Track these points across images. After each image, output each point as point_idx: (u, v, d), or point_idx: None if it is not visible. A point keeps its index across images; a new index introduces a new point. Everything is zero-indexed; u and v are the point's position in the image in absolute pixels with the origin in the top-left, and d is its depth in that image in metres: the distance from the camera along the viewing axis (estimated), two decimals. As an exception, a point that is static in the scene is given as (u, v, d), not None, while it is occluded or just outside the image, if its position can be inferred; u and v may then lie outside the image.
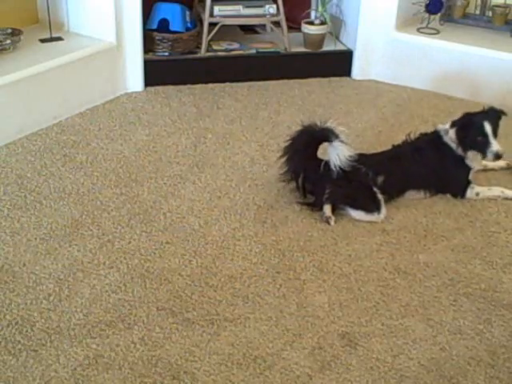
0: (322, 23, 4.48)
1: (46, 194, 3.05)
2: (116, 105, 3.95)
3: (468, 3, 4.51)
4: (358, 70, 4.47)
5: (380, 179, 3.02)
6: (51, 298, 2.45)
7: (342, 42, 4.62)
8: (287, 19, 4.39)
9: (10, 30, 3.74)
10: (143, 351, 2.24)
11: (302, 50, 4.50)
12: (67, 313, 2.38)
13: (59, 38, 3.88)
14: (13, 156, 3.34)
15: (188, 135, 3.62)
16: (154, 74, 4.14)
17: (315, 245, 2.81)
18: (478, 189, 3.16)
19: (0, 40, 3.65)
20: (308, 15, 4.66)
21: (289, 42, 4.42)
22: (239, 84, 4.25)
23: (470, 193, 3.15)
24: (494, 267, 2.72)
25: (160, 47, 4.19)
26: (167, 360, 2.21)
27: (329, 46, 4.54)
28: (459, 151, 3.12)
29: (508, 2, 4.37)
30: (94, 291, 2.49)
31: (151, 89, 4.14)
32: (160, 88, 4.14)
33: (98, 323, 2.34)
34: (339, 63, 4.49)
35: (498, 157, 3.05)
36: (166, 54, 4.21)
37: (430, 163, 3.13)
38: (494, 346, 2.33)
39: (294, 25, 4.59)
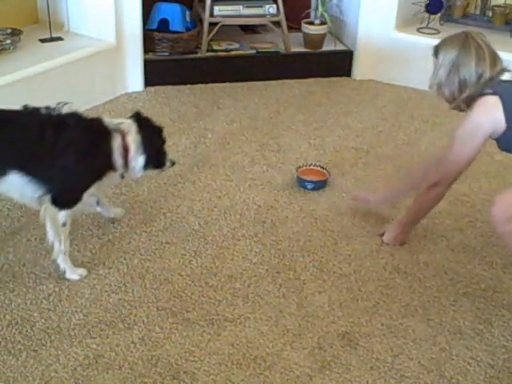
0: (322, 23, 4.48)
1: (46, 193, 3.05)
2: (116, 105, 3.95)
3: (468, 3, 4.51)
4: (358, 70, 4.47)
5: None
6: (51, 298, 2.45)
7: (342, 42, 4.62)
8: (287, 19, 4.39)
9: (9, 30, 3.74)
10: (143, 351, 2.24)
11: (302, 49, 4.50)
12: (67, 313, 2.38)
13: (59, 38, 3.88)
14: (13, 156, 3.34)
15: (188, 135, 3.62)
16: (154, 73, 4.14)
17: (315, 245, 2.81)
18: (68, 222, 2.53)
19: (0, 40, 3.65)
20: (308, 15, 4.66)
21: (289, 42, 4.42)
22: (239, 84, 4.25)
23: (63, 216, 2.50)
24: (494, 267, 2.72)
25: (160, 47, 4.19)
26: (167, 360, 2.21)
27: (329, 46, 4.54)
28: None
29: (508, 1, 4.37)
30: (93, 291, 2.49)
31: (151, 89, 4.13)
32: (160, 88, 4.13)
33: (97, 323, 2.34)
34: (339, 63, 4.49)
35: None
36: (166, 54, 4.21)
37: (58, 154, 2.41)
38: (493, 346, 2.33)
39: (294, 25, 4.58)
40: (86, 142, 2.46)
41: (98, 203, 2.81)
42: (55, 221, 2.50)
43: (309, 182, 3.17)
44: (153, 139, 2.63)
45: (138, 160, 2.56)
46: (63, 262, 2.54)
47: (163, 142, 2.71)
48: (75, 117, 2.50)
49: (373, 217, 3.01)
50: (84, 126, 2.49)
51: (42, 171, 2.42)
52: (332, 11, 4.64)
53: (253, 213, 3.00)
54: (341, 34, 4.63)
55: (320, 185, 3.19)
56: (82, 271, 2.58)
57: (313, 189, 3.16)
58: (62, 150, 2.41)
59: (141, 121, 2.62)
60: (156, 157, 2.66)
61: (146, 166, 2.60)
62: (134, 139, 2.54)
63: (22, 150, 2.41)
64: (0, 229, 2.80)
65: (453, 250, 2.81)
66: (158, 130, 2.69)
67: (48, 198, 2.45)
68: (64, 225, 2.51)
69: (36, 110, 2.46)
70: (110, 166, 2.54)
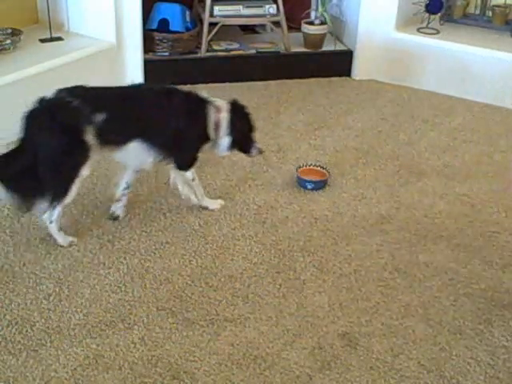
0: (322, 23, 4.48)
1: (46, 194, 3.05)
2: (116, 105, 3.94)
3: (468, 3, 4.51)
4: (357, 70, 4.47)
5: (99, 117, 2.58)
6: (51, 298, 2.45)
7: (342, 42, 4.62)
8: (287, 19, 4.39)
9: (10, 30, 3.74)
10: (143, 351, 2.24)
11: (302, 49, 4.50)
12: (67, 313, 2.38)
13: (59, 38, 3.88)
14: (13, 156, 3.34)
15: (188, 135, 3.62)
16: (154, 74, 4.14)
17: (315, 245, 2.81)
18: (196, 176, 2.92)
19: (0, 40, 3.65)
20: (308, 15, 4.65)
21: (289, 42, 4.42)
22: (239, 84, 4.25)
23: (190, 173, 2.88)
24: (494, 267, 2.72)
25: (160, 47, 4.19)
26: (167, 360, 2.21)
27: (329, 46, 4.54)
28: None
29: (508, 1, 4.37)
30: (93, 291, 2.49)
31: (151, 89, 4.13)
32: (160, 88, 4.13)
33: (98, 323, 2.34)
34: (339, 63, 4.49)
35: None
36: (166, 54, 4.21)
37: (174, 120, 2.73)
38: (493, 346, 2.33)
39: (294, 25, 4.59)
40: (192, 110, 2.79)
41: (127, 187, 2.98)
42: (186, 180, 2.91)
43: (309, 181, 3.17)
44: (242, 123, 2.90)
45: (224, 139, 2.86)
46: (204, 202, 2.99)
47: (251, 128, 2.96)
48: (176, 89, 2.80)
49: (373, 217, 3.01)
50: (187, 96, 2.80)
51: (159, 137, 2.73)
52: (332, 11, 4.64)
53: (253, 213, 3.00)
54: (341, 33, 4.63)
55: (320, 185, 3.19)
56: (220, 201, 3.03)
57: (313, 189, 3.16)
58: (173, 118, 2.72)
59: (235, 104, 2.90)
60: (242, 140, 2.93)
61: (232, 146, 2.90)
62: (225, 117, 2.83)
63: (141, 120, 2.70)
64: (1, 229, 2.80)
65: (453, 250, 2.81)
66: (248, 117, 2.94)
67: (173, 165, 2.85)
68: (193, 180, 2.92)
69: (145, 85, 2.92)
70: (204, 135, 2.83)
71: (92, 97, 2.65)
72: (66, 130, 2.55)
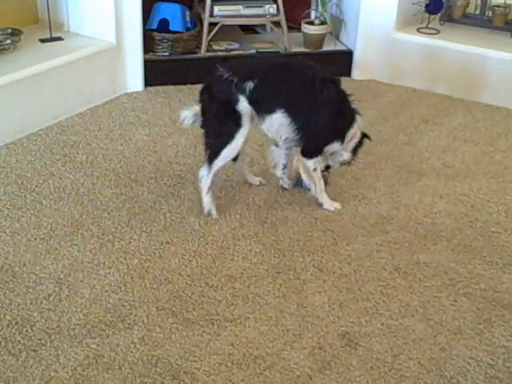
0: (322, 23, 4.48)
1: (45, 193, 3.05)
2: (116, 105, 3.95)
3: (468, 3, 4.51)
4: (357, 70, 4.48)
5: (249, 86, 2.76)
6: (51, 298, 2.45)
7: (342, 42, 4.62)
8: (287, 19, 4.39)
9: (10, 30, 3.74)
10: (143, 351, 2.24)
11: (302, 49, 4.50)
12: (67, 313, 2.38)
13: (59, 38, 3.88)
14: (13, 156, 3.34)
15: (188, 135, 3.62)
16: (154, 73, 4.14)
17: (315, 245, 2.81)
18: (319, 166, 2.99)
19: (0, 40, 3.65)
20: (308, 15, 4.66)
21: (289, 42, 4.42)
22: (239, 84, 4.25)
23: (313, 162, 2.96)
24: (494, 267, 2.72)
25: (160, 47, 4.19)
26: (167, 360, 2.21)
27: (329, 46, 4.54)
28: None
29: (508, 1, 4.37)
30: (94, 291, 2.49)
31: (151, 89, 4.14)
32: (160, 88, 4.14)
33: (98, 323, 2.34)
34: (339, 63, 4.49)
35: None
36: (166, 53, 4.21)
37: (317, 100, 2.84)
38: (493, 345, 2.33)
39: (293, 25, 4.59)
40: (340, 105, 2.90)
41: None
42: (307, 168, 2.97)
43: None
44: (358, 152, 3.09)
45: (348, 154, 3.04)
46: (321, 198, 3.04)
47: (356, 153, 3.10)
48: (338, 81, 2.92)
49: (373, 217, 3.01)
50: (343, 92, 2.93)
51: (302, 117, 2.83)
52: (332, 11, 4.65)
53: (253, 213, 3.00)
54: (341, 34, 4.63)
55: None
56: (338, 205, 3.05)
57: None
58: (322, 103, 2.83)
59: (365, 135, 3.05)
60: (352, 160, 3.11)
61: (344, 162, 3.09)
62: (358, 136, 3.01)
63: (292, 94, 2.82)
64: (1, 229, 2.80)
65: (453, 250, 2.81)
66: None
67: (298, 150, 2.93)
68: (315, 170, 2.97)
69: (309, 64, 2.95)
70: (341, 136, 2.95)
71: (241, 67, 2.86)
72: (220, 101, 2.80)
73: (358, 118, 2.97)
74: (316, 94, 2.82)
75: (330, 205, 3.04)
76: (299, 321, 2.40)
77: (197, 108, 2.91)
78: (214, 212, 2.94)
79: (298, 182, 3.19)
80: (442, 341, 2.34)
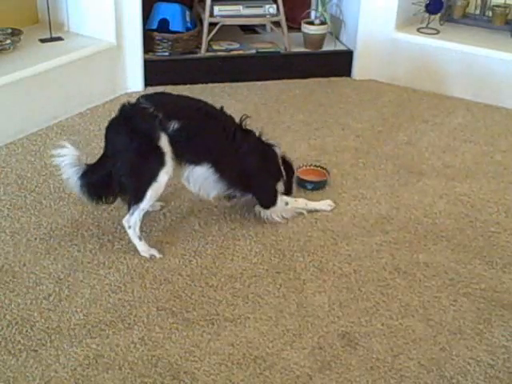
0: (322, 23, 4.48)
1: (45, 193, 3.05)
2: (116, 105, 3.91)
3: (468, 3, 4.51)
4: (357, 70, 4.47)
5: (173, 125, 2.58)
6: (51, 298, 2.45)
7: (342, 42, 4.62)
8: (287, 19, 4.39)
9: (9, 30, 3.74)
10: (143, 351, 2.24)
11: (302, 49, 4.50)
12: (67, 313, 2.38)
13: (59, 38, 3.88)
14: (13, 156, 3.34)
15: (188, 135, 3.62)
16: (154, 73, 4.14)
17: (315, 245, 2.81)
18: (286, 198, 2.94)
19: (0, 40, 3.65)
20: (308, 15, 4.66)
21: (289, 42, 4.43)
22: (239, 84, 4.25)
23: (279, 202, 2.90)
24: (493, 267, 2.72)
25: (160, 47, 4.19)
26: (167, 360, 2.21)
27: (329, 46, 4.54)
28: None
29: (508, 1, 4.37)
30: (94, 291, 2.49)
31: (151, 89, 4.12)
32: (160, 88, 4.12)
33: (97, 323, 2.34)
34: (339, 63, 4.49)
35: None
36: (166, 53, 4.21)
37: (245, 157, 2.76)
38: (493, 346, 2.33)
39: (293, 25, 4.59)
40: (265, 150, 2.84)
41: None
42: (281, 211, 2.92)
43: (309, 182, 3.17)
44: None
45: (281, 183, 2.95)
46: (315, 208, 3.00)
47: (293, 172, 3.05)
48: (251, 131, 2.82)
49: (373, 217, 3.01)
50: (259, 138, 2.83)
51: (229, 171, 2.73)
52: (332, 11, 4.65)
53: (253, 213, 3.00)
54: (341, 34, 4.63)
55: (320, 185, 3.19)
56: (330, 202, 3.04)
57: (313, 189, 3.16)
58: (247, 155, 2.75)
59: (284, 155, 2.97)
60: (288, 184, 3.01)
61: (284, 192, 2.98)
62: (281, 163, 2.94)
63: (216, 146, 2.70)
64: (1, 229, 2.80)
65: (453, 250, 2.81)
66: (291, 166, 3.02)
67: (259, 207, 2.90)
68: (287, 204, 2.92)
69: (226, 115, 2.76)
70: (280, 172, 2.91)
71: (167, 104, 2.66)
72: (143, 136, 2.57)
73: (277, 150, 2.89)
74: (238, 146, 2.72)
75: (323, 205, 3.02)
76: (299, 321, 2.40)
77: (72, 149, 2.66)
78: (156, 253, 2.68)
79: (300, 183, 3.18)
80: (442, 341, 2.34)
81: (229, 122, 2.75)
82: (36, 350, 2.22)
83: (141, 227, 2.69)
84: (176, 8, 4.22)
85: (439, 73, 4.28)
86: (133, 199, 2.63)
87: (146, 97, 2.67)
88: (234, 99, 4.07)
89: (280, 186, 2.93)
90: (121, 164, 2.60)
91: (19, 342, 2.25)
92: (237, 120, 2.78)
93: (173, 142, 2.58)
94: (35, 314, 2.37)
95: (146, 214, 2.92)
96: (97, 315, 2.38)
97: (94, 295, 2.47)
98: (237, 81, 4.28)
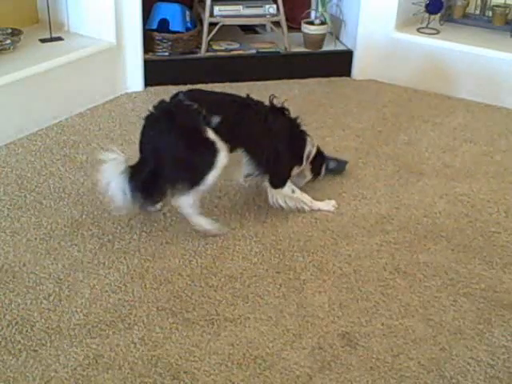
0: (322, 23, 4.48)
1: (46, 193, 3.05)
2: (116, 105, 3.95)
3: (468, 3, 4.51)
4: (357, 70, 4.47)
5: (215, 119, 2.69)
6: (51, 298, 2.45)
7: (342, 42, 4.62)
8: (287, 19, 4.39)
9: (9, 30, 3.74)
10: (143, 351, 2.24)
11: (302, 49, 4.50)
12: (67, 313, 2.38)
13: (59, 38, 3.88)
14: (13, 156, 3.35)
15: (188, 135, 3.62)
16: (154, 73, 4.14)
17: (315, 245, 2.81)
18: (294, 188, 2.98)
19: (0, 40, 3.65)
20: (308, 15, 4.66)
21: (289, 42, 4.43)
22: (239, 84, 4.25)
23: (287, 187, 2.95)
24: (493, 267, 2.72)
25: (160, 47, 4.19)
26: (167, 360, 2.21)
27: (329, 46, 4.55)
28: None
29: (508, 1, 4.37)
30: (94, 291, 2.49)
31: (151, 89, 4.13)
32: (160, 88, 4.13)
33: (98, 323, 2.34)
34: (339, 63, 4.49)
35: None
36: (166, 53, 4.21)
37: (275, 136, 2.87)
38: (493, 346, 2.33)
39: (293, 25, 4.59)
40: (294, 132, 2.96)
41: None
42: (285, 196, 2.96)
43: (332, 159, 3.25)
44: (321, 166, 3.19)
45: (308, 172, 3.12)
46: (316, 207, 3.03)
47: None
48: (285, 110, 2.97)
49: (373, 217, 3.01)
50: (292, 120, 2.97)
51: (260, 152, 2.82)
52: (332, 11, 4.65)
53: (253, 213, 3.00)
54: (341, 33, 4.63)
55: (341, 165, 3.28)
56: (334, 203, 3.07)
57: (334, 169, 3.25)
58: (276, 135, 2.86)
59: (319, 149, 3.13)
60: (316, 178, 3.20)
61: (308, 181, 3.14)
62: (314, 154, 3.08)
63: (253, 131, 2.82)
64: (1, 229, 2.80)
65: (453, 250, 2.81)
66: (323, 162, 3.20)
67: (267, 183, 2.93)
68: (293, 192, 2.97)
69: (254, 101, 2.90)
70: (301, 160, 3.00)
71: (207, 100, 2.76)
72: (189, 131, 2.67)
73: (308, 138, 3.00)
74: (269, 127, 2.85)
75: (325, 206, 3.04)
76: (299, 321, 2.40)
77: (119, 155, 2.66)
78: (216, 226, 2.82)
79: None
80: (442, 341, 2.34)
81: (259, 107, 2.89)
82: (36, 350, 2.22)
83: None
84: (176, 8, 4.22)
85: (439, 73, 4.28)
86: (191, 184, 2.69)
87: (185, 94, 2.76)
88: (234, 99, 4.07)
89: (295, 171, 3.00)
90: (172, 163, 2.67)
91: (19, 342, 2.25)
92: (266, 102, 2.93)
93: (216, 135, 2.69)
94: (35, 314, 2.37)
95: (146, 214, 2.92)
96: (97, 315, 2.38)
97: (94, 295, 2.47)
98: (237, 81, 4.27)
